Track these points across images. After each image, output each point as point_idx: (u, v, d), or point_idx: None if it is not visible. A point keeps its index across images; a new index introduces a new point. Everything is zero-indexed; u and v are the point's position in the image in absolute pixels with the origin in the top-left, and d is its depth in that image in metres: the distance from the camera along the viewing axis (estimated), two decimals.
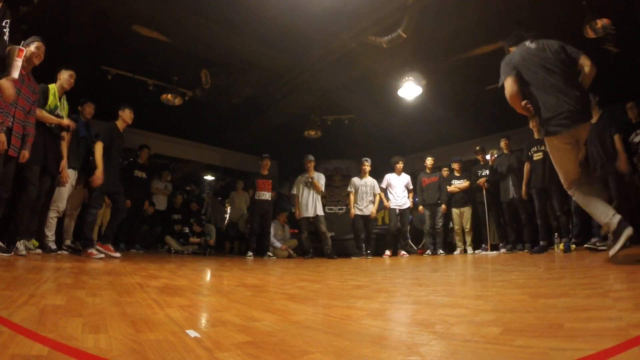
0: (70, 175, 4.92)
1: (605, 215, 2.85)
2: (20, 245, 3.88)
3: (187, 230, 8.41)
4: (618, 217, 2.71)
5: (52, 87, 4.45)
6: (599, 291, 1.82)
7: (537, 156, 6.01)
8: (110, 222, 5.21)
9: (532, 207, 6.46)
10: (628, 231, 2.61)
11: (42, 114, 4.26)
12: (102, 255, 4.61)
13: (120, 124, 5.24)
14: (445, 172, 8.05)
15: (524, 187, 6.31)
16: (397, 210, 7.77)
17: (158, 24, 5.78)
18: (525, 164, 6.26)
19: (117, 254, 4.93)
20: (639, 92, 5.93)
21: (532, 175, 6.15)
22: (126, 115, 5.27)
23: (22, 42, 3.74)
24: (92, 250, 4.59)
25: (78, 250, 5.02)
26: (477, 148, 7.80)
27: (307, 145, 9.42)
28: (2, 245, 3.75)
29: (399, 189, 7.79)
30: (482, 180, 7.35)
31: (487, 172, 7.38)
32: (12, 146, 3.67)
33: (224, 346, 1.03)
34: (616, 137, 5.01)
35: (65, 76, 4.59)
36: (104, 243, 4.93)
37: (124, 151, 8.31)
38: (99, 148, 4.82)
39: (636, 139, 5.11)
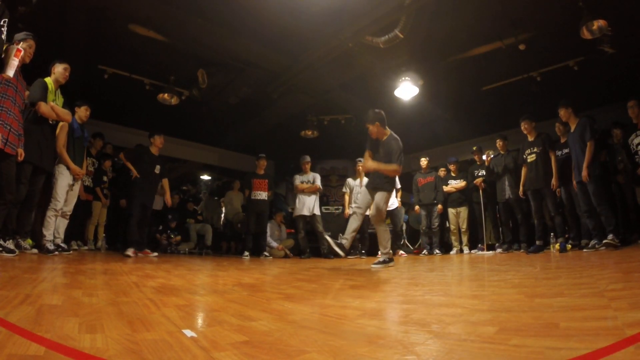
0: (67, 175, 4.91)
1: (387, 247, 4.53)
2: (11, 244, 3.86)
3: (161, 227, 8.37)
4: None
5: (49, 82, 4.38)
6: (594, 291, 1.83)
7: (531, 158, 6.08)
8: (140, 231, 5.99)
9: (528, 207, 6.49)
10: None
11: (47, 108, 4.28)
12: (156, 254, 6.05)
13: (152, 149, 6.28)
14: (442, 172, 8.07)
15: (521, 188, 6.35)
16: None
17: (155, 24, 5.75)
18: (523, 166, 6.29)
19: (155, 254, 6.06)
20: (636, 94, 5.97)
21: (527, 177, 6.19)
22: (155, 141, 6.27)
23: (14, 37, 3.74)
24: (147, 250, 6.01)
25: (68, 250, 5.02)
26: (474, 148, 7.83)
27: (304, 145, 9.41)
28: (5, 245, 3.74)
29: None
30: (478, 180, 7.37)
31: (484, 172, 7.41)
32: (10, 144, 3.65)
33: (220, 346, 1.03)
34: (589, 144, 5.15)
35: (59, 69, 4.51)
36: (139, 249, 5.89)
37: (120, 150, 8.31)
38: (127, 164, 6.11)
39: (636, 140, 5.14)
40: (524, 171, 6.26)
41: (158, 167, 6.22)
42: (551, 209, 5.90)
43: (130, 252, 5.54)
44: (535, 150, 6.04)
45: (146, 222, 6.12)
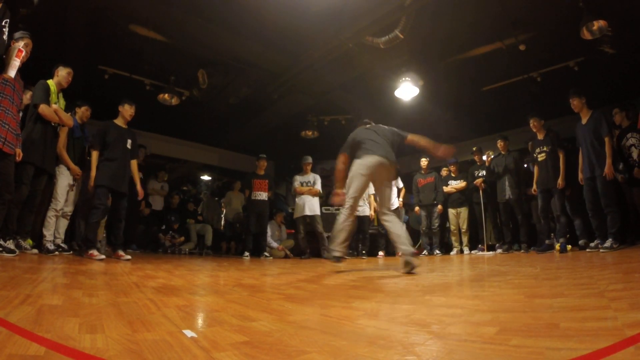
0: (67, 175, 4.91)
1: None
2: (11, 244, 3.86)
3: (164, 227, 8.38)
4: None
5: (51, 84, 4.41)
6: (594, 291, 1.83)
7: (541, 157, 6.06)
8: (113, 227, 5.18)
9: (529, 207, 6.47)
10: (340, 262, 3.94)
11: (49, 111, 4.29)
12: (103, 257, 4.52)
13: (119, 121, 5.19)
14: (445, 171, 8.08)
15: (534, 186, 6.31)
16: None
17: (155, 24, 5.76)
18: (534, 166, 6.29)
19: (128, 257, 4.87)
20: (636, 93, 5.97)
21: (539, 175, 6.19)
22: (125, 111, 5.21)
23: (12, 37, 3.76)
24: (93, 252, 4.50)
25: (69, 250, 5.01)
26: (474, 149, 7.84)
27: (304, 145, 9.41)
28: (6, 245, 3.75)
29: None
30: (479, 180, 7.37)
31: (484, 172, 7.41)
32: (9, 143, 3.65)
33: (220, 346, 1.03)
34: (606, 140, 5.06)
35: (63, 73, 4.55)
36: (113, 250, 5.00)
37: None
38: (93, 154, 4.90)
39: (628, 143, 5.15)
40: (536, 170, 6.24)
41: (129, 141, 5.16)
42: (558, 209, 5.85)
43: (94, 252, 4.50)
44: (545, 149, 6.01)
45: (121, 216, 5.07)
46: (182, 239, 8.50)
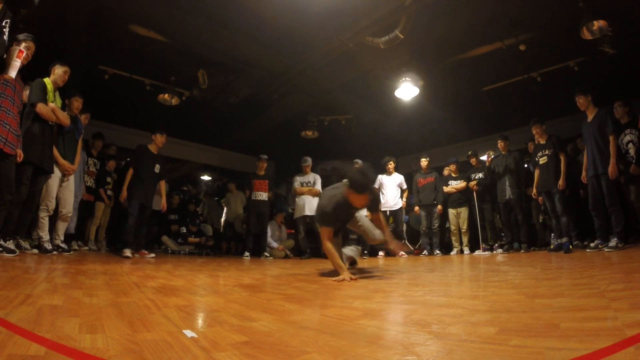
0: (56, 172, 4.74)
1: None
2: (11, 244, 3.85)
3: (184, 230, 8.41)
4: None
5: (48, 82, 4.37)
6: (595, 291, 1.83)
7: (542, 160, 6.10)
8: (137, 230, 5.86)
9: (529, 207, 6.45)
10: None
11: (47, 110, 4.26)
12: (153, 255, 5.89)
13: (152, 147, 6.11)
14: (446, 171, 8.08)
15: (534, 190, 6.35)
16: (388, 212, 7.78)
17: (155, 24, 5.76)
18: (535, 169, 6.32)
19: (152, 255, 5.91)
20: (636, 94, 5.97)
21: (539, 178, 6.23)
22: (157, 139, 6.10)
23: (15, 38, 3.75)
24: (144, 251, 5.96)
25: (68, 250, 5.01)
26: (470, 153, 7.87)
27: (304, 145, 9.41)
28: (6, 245, 3.75)
29: (390, 190, 7.80)
30: (472, 183, 7.42)
31: (481, 175, 7.44)
32: (9, 143, 3.65)
33: (220, 346, 1.03)
34: (611, 138, 5.04)
35: (59, 72, 4.50)
36: (136, 250, 5.78)
37: (121, 150, 8.29)
38: (128, 173, 5.94)
39: (625, 139, 5.14)
40: (536, 173, 6.28)
41: (158, 166, 6.05)
42: (559, 209, 5.87)
43: (128, 252, 5.32)
44: (546, 152, 6.05)
45: (144, 223, 6.03)
46: (212, 242, 8.66)
